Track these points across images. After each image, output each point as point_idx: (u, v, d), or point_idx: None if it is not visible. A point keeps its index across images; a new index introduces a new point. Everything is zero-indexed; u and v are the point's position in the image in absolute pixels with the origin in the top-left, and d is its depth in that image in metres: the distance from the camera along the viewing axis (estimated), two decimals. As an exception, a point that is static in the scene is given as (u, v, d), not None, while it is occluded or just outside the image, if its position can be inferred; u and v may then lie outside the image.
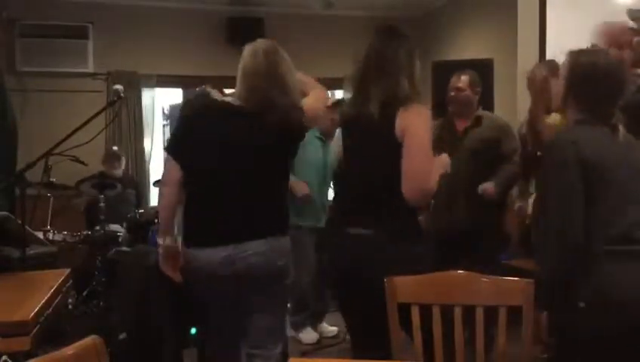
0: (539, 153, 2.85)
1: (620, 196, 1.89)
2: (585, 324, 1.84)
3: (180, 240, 2.42)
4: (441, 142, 3.18)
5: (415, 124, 2.16)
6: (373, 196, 2.24)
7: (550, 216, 1.92)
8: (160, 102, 7.16)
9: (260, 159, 2.33)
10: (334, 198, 2.79)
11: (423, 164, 2.15)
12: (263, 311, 2.38)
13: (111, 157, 5.50)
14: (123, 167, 5.64)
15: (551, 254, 1.90)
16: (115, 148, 5.71)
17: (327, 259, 2.41)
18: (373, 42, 2.34)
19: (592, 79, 1.99)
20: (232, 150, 2.32)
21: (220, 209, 2.32)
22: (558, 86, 2.12)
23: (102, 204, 4.63)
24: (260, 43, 2.45)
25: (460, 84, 3.54)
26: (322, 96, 2.64)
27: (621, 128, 2.01)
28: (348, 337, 4.14)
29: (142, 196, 5.88)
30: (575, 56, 2.08)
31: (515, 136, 3.58)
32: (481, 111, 3.62)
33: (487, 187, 3.44)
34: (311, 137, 4.04)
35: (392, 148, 2.16)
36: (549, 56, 4.74)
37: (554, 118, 2.84)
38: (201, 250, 2.32)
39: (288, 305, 4.63)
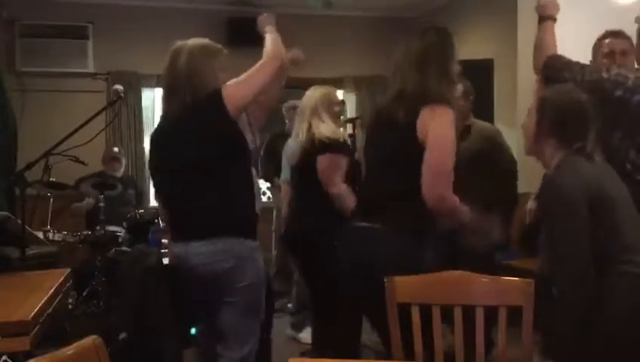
0: None
1: (617, 220, 1.96)
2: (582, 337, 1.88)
3: None
4: None
5: (437, 125, 2.14)
6: (387, 193, 2.24)
7: (561, 256, 1.98)
8: (160, 102, 7.17)
9: (194, 160, 2.35)
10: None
11: (441, 165, 2.13)
12: (224, 312, 2.41)
13: (111, 159, 5.48)
14: (123, 168, 5.63)
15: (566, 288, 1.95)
16: (115, 149, 5.67)
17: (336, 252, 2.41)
18: (407, 41, 2.32)
19: (564, 112, 2.06)
20: (173, 153, 2.40)
21: (172, 209, 2.48)
22: (528, 122, 2.18)
23: (102, 204, 4.63)
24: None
25: (456, 94, 3.51)
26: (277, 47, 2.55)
27: (596, 156, 2.06)
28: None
29: (142, 196, 5.88)
30: (545, 91, 2.18)
31: (507, 146, 3.59)
32: (471, 120, 3.60)
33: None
34: None
35: (413, 148, 2.16)
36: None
37: None
38: (173, 245, 2.49)
39: (289, 305, 4.68)
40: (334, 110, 3.31)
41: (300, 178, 3.32)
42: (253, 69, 2.40)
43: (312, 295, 3.48)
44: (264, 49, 2.49)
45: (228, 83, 2.33)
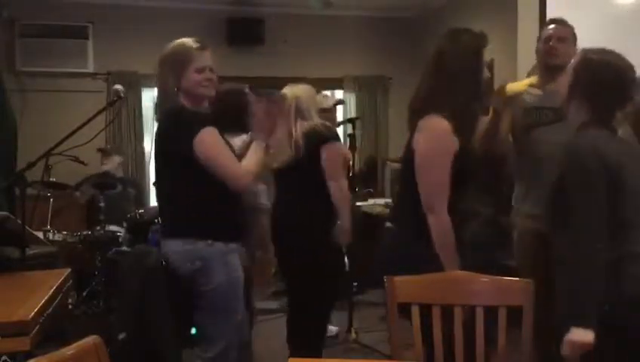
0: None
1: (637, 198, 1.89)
2: (607, 325, 1.82)
3: None
4: None
5: (421, 140, 2.16)
6: (404, 195, 2.31)
7: (578, 225, 1.88)
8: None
9: (163, 165, 2.45)
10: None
11: (426, 181, 2.15)
12: (194, 314, 2.48)
13: (99, 151, 5.51)
14: (116, 164, 5.60)
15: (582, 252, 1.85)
16: (108, 146, 5.71)
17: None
18: (438, 42, 2.27)
19: (603, 80, 1.95)
20: (155, 155, 2.50)
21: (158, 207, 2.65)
22: (564, 79, 2.09)
23: (102, 204, 4.63)
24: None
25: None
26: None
27: (620, 131, 2.01)
28: (348, 337, 4.18)
29: (142, 196, 5.88)
30: (585, 53, 2.05)
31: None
32: None
33: None
34: None
35: (412, 156, 2.20)
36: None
37: (517, 85, 2.80)
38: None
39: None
40: (318, 105, 3.28)
41: (294, 171, 3.13)
42: (226, 162, 2.37)
43: (292, 287, 3.36)
44: (248, 159, 2.44)
45: (203, 138, 2.30)
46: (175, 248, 2.41)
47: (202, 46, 2.41)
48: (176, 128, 2.35)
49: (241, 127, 2.96)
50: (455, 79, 2.16)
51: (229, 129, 2.83)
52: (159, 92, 2.48)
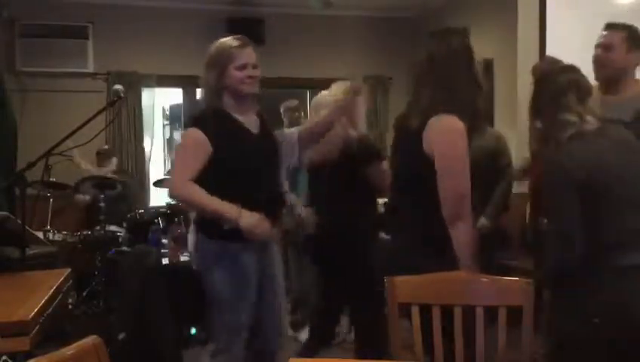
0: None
1: (618, 205, 1.89)
2: (597, 338, 1.84)
3: None
4: None
5: (440, 142, 2.07)
6: (403, 204, 2.23)
7: (551, 224, 1.97)
8: (160, 102, 7.16)
9: None
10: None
11: (453, 188, 2.06)
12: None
13: (97, 154, 5.53)
14: (114, 167, 5.61)
15: (551, 256, 1.93)
16: (105, 146, 5.73)
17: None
18: (427, 44, 2.24)
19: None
20: None
21: None
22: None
23: (102, 204, 4.63)
24: None
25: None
26: None
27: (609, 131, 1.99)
28: (348, 337, 4.18)
29: (141, 196, 5.89)
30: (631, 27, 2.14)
31: (509, 150, 3.66)
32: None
33: (482, 225, 3.57)
34: None
35: (424, 161, 2.09)
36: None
37: None
38: None
39: (287, 305, 4.67)
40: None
41: (339, 177, 3.09)
42: (177, 165, 2.50)
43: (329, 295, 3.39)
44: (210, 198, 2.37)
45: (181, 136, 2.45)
46: (192, 245, 2.58)
47: (243, 43, 2.43)
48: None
49: None
50: (453, 80, 2.12)
51: None
52: (203, 92, 2.54)
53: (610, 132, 1.98)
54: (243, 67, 2.40)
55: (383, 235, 3.20)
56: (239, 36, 2.46)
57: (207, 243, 2.45)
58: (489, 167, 3.52)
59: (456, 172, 2.07)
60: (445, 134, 2.08)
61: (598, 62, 2.66)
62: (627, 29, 2.67)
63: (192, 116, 2.51)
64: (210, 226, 2.42)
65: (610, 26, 2.70)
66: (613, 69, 2.59)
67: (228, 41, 2.44)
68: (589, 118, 1.95)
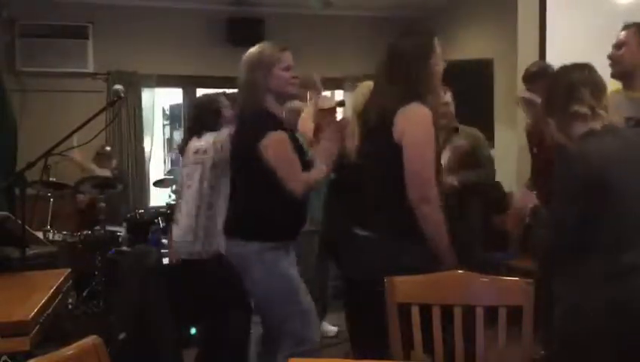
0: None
1: (625, 203, 1.87)
2: (598, 337, 1.84)
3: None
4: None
5: (411, 128, 2.15)
6: (378, 198, 2.26)
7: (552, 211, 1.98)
8: (160, 102, 7.17)
9: (239, 163, 2.56)
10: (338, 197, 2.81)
11: (420, 171, 2.14)
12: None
13: (97, 155, 5.52)
14: (113, 166, 5.61)
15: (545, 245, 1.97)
16: (108, 148, 5.72)
17: (336, 261, 2.42)
18: (389, 42, 2.31)
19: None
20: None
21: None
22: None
23: (102, 204, 4.63)
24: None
25: (447, 99, 3.51)
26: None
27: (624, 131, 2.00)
28: (348, 337, 4.18)
29: (142, 196, 5.89)
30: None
31: (488, 147, 3.68)
32: (456, 124, 3.63)
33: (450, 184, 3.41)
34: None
35: (393, 151, 2.16)
36: (549, 55, 4.75)
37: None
38: None
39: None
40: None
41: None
42: (292, 171, 2.41)
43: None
44: (313, 174, 2.48)
45: (270, 143, 2.38)
46: (230, 248, 2.59)
47: (283, 47, 2.50)
48: (252, 129, 2.42)
49: (213, 128, 3.28)
50: (416, 78, 2.19)
51: (204, 129, 3.31)
52: (246, 95, 2.50)
53: (625, 131, 2.00)
54: (287, 69, 2.47)
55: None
56: (276, 41, 2.56)
57: (248, 246, 2.46)
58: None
59: (421, 155, 2.14)
60: (414, 119, 2.15)
61: (611, 60, 2.71)
62: (638, 25, 2.72)
63: (255, 118, 2.46)
64: (251, 229, 2.48)
65: (624, 27, 2.76)
66: (625, 65, 2.64)
67: (269, 44, 2.52)
68: (601, 112, 1.95)
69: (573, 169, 1.90)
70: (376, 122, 2.24)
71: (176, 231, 3.31)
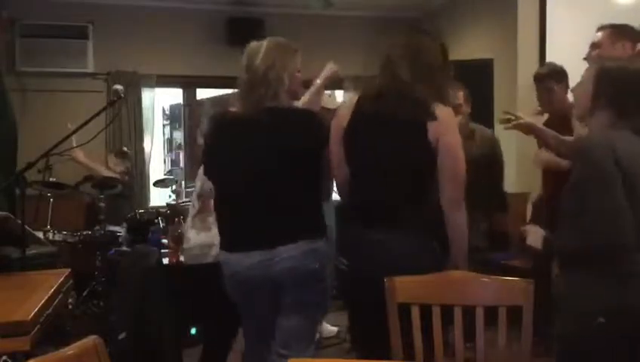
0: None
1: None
2: (601, 338, 1.82)
3: None
4: None
5: (448, 130, 2.10)
6: (393, 198, 2.17)
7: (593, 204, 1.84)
8: (160, 102, 7.17)
9: (283, 162, 2.30)
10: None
11: (458, 174, 2.11)
12: (292, 313, 2.34)
13: (120, 153, 5.57)
14: (123, 168, 5.62)
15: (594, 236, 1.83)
16: (125, 148, 5.80)
17: (346, 262, 2.32)
18: (397, 38, 2.29)
19: (624, 84, 1.94)
20: (256, 155, 2.33)
21: (250, 215, 2.33)
22: (580, 92, 2.05)
23: (102, 204, 4.63)
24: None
25: (459, 101, 3.46)
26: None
27: None
28: (348, 337, 4.18)
29: (142, 196, 5.88)
30: (601, 63, 2.05)
31: (501, 155, 3.73)
32: (472, 124, 3.63)
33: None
34: None
35: (423, 151, 2.10)
36: (549, 55, 4.75)
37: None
38: (234, 254, 2.34)
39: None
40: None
41: None
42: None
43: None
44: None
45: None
46: (290, 252, 2.30)
47: (295, 48, 2.53)
48: (310, 127, 2.38)
49: None
50: (440, 77, 2.19)
51: None
52: (269, 91, 2.39)
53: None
54: (299, 70, 2.50)
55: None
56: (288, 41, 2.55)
57: (316, 245, 2.32)
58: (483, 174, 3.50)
59: (460, 159, 2.12)
60: (449, 122, 2.12)
61: (588, 61, 2.73)
62: (612, 25, 2.78)
63: (304, 116, 2.46)
64: (318, 225, 2.37)
65: (599, 28, 2.83)
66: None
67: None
68: None
69: (601, 154, 1.84)
70: (402, 120, 2.13)
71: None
